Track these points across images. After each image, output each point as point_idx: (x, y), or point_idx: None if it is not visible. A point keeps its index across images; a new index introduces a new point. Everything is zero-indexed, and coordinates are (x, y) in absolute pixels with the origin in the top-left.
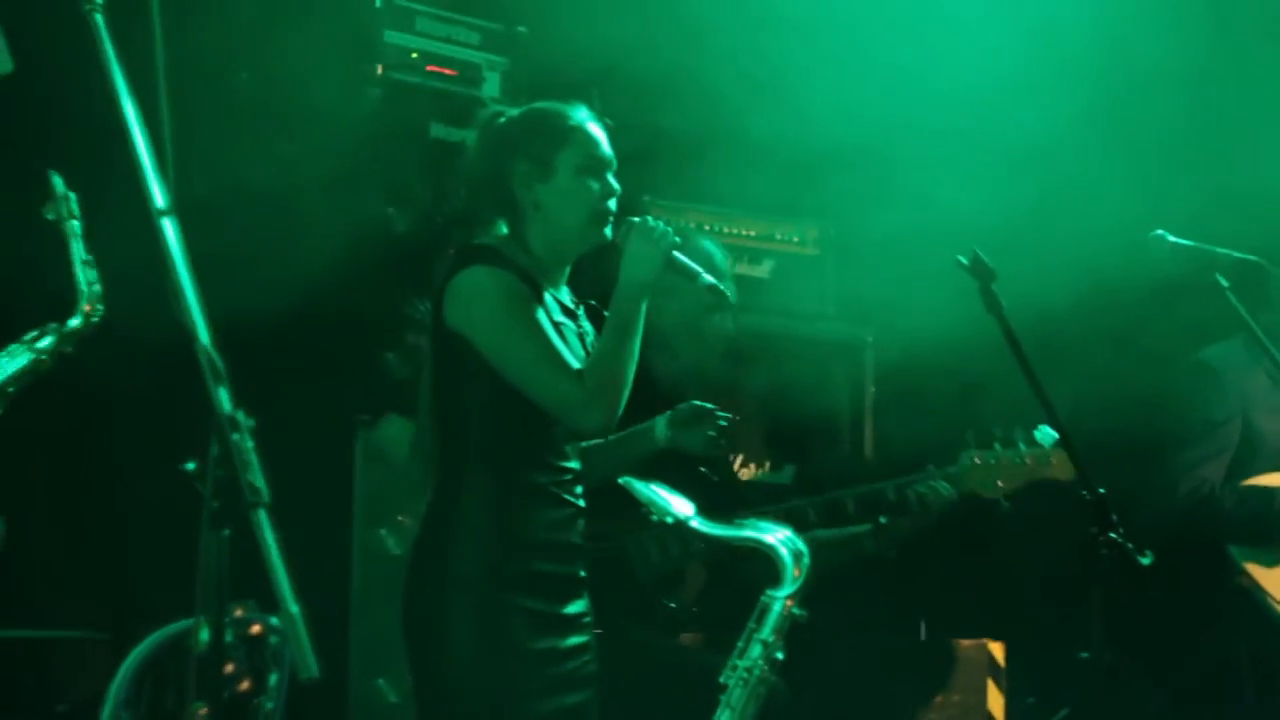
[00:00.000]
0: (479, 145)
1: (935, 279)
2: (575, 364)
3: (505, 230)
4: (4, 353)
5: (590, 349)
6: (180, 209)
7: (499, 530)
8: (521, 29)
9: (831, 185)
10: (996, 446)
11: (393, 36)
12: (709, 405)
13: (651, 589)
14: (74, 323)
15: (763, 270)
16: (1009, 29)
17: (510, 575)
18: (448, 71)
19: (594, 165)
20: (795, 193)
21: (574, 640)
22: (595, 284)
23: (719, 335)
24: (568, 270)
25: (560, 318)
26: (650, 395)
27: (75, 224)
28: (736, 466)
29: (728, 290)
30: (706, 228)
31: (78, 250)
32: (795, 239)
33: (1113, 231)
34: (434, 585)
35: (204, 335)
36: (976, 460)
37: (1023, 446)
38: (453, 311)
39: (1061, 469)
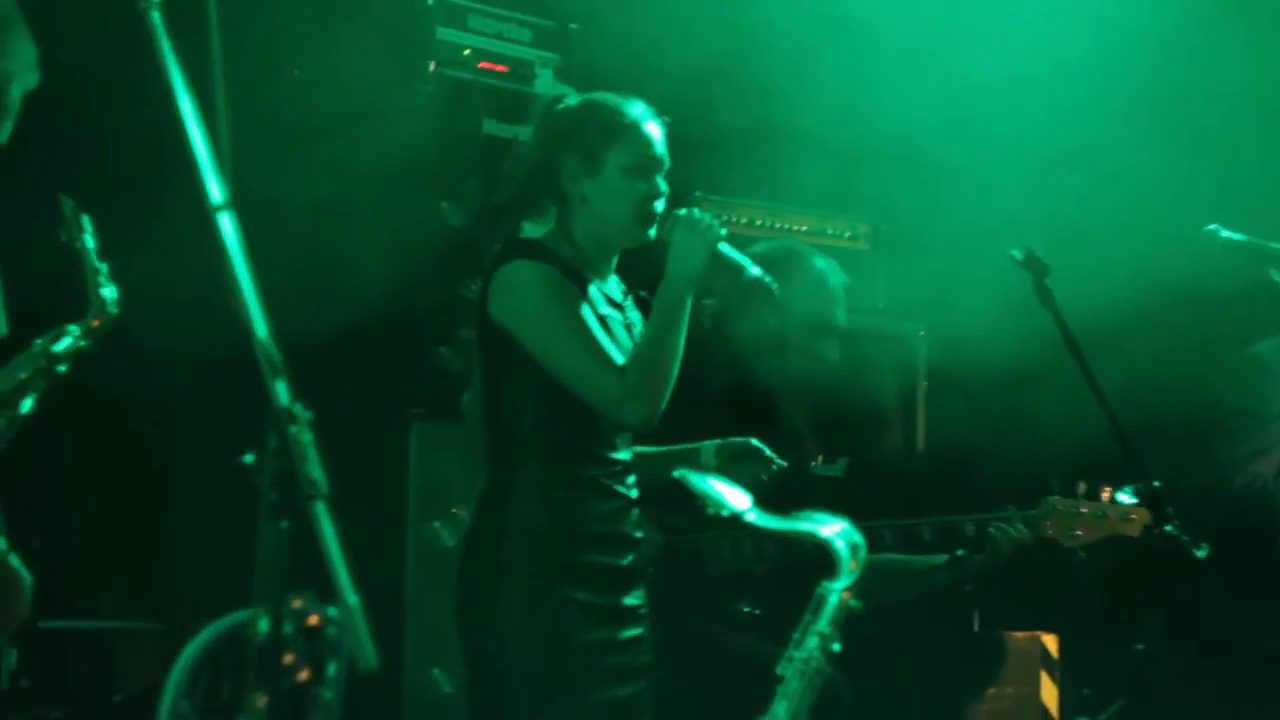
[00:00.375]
0: (535, 132)
1: (988, 273)
2: (618, 357)
3: (553, 220)
4: (21, 353)
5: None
6: (236, 206)
7: (550, 522)
8: (573, 25)
9: (883, 180)
10: (1080, 497)
11: (445, 33)
12: (763, 446)
13: (721, 586)
14: (86, 325)
15: None
16: (1062, 22)
17: (562, 567)
18: (500, 68)
19: (643, 165)
20: (847, 188)
21: (628, 632)
22: (649, 273)
23: (824, 358)
24: (614, 261)
25: (605, 310)
26: (748, 403)
27: (87, 239)
28: None
29: (839, 313)
30: (758, 223)
31: (89, 261)
32: (847, 234)
33: (1166, 226)
34: (486, 577)
35: (261, 329)
36: (1059, 507)
37: (1105, 500)
38: (496, 304)
39: (1140, 528)
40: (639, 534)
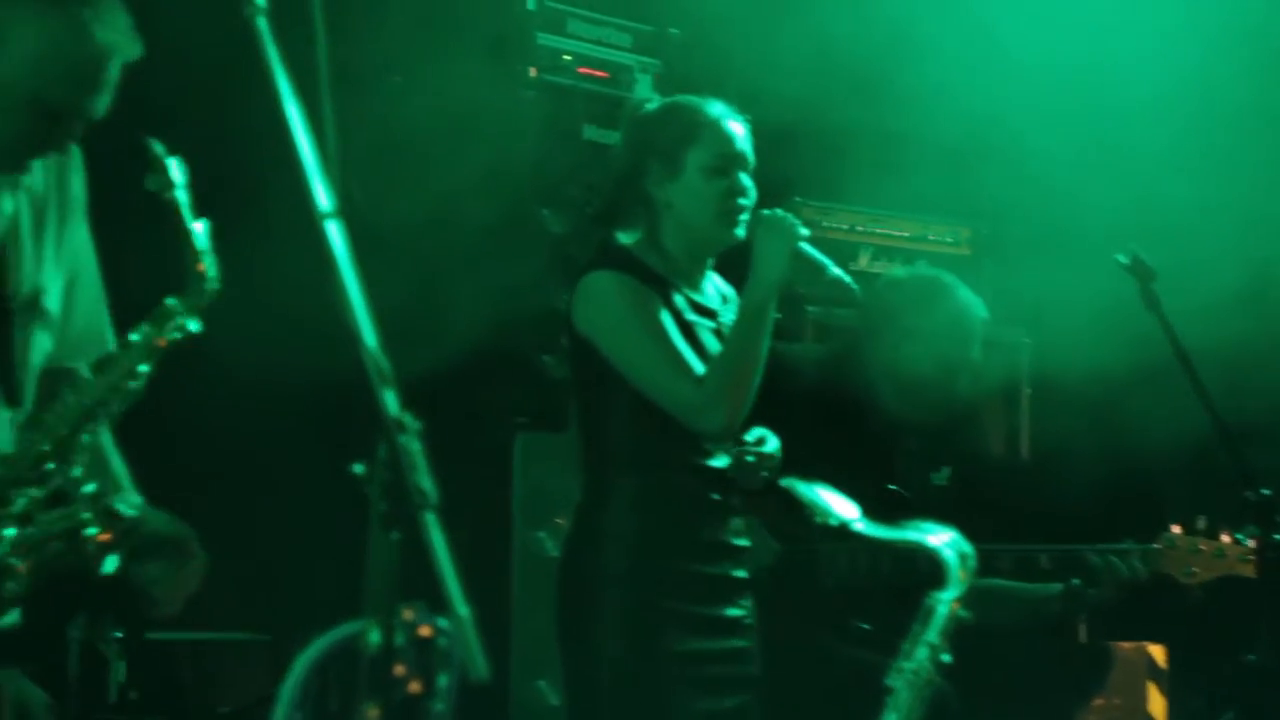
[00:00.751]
0: (621, 140)
1: (1094, 278)
2: (698, 366)
3: (643, 228)
4: (127, 339)
5: None
6: (342, 215)
7: (645, 532)
8: (674, 31)
9: (986, 184)
10: (1199, 533)
11: (545, 39)
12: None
13: (835, 600)
14: (192, 300)
15: None
16: (1168, 19)
17: (658, 577)
18: (600, 74)
19: (723, 164)
20: (948, 192)
21: (729, 643)
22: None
23: (955, 393)
24: (708, 265)
25: (694, 317)
26: (869, 430)
27: (179, 193)
28: None
29: (975, 349)
30: (859, 228)
31: (183, 219)
32: (948, 240)
33: (1273, 225)
34: (583, 588)
35: (370, 338)
36: (1178, 544)
37: (1225, 540)
38: (579, 315)
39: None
40: (740, 542)
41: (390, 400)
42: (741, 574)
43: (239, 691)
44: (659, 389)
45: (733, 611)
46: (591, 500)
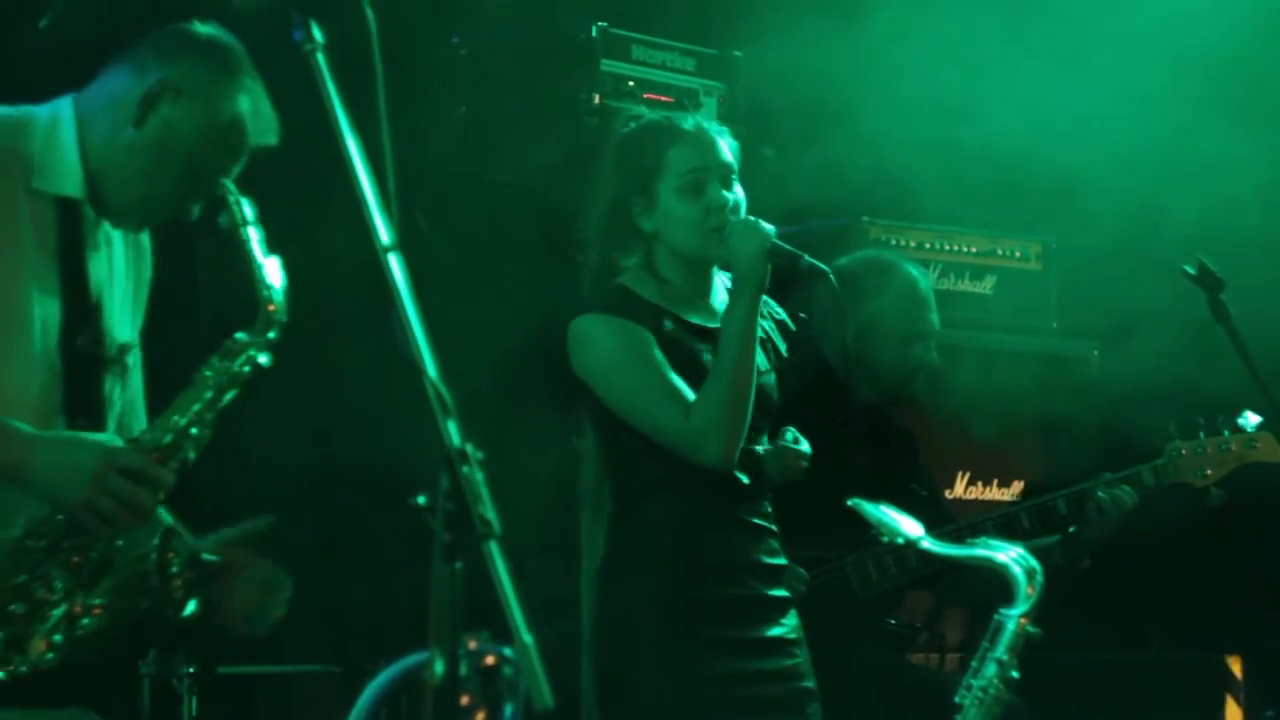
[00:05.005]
0: (607, 166)
1: (1165, 289)
2: (690, 398)
3: (640, 255)
4: (198, 375)
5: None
6: (405, 246)
7: (673, 558)
8: (737, 53)
9: (1054, 197)
10: (1201, 435)
11: (609, 65)
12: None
13: (872, 608)
14: (261, 334)
15: (985, 286)
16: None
17: (689, 602)
18: (664, 99)
19: (693, 182)
20: (1016, 207)
21: (771, 663)
22: None
23: (925, 365)
24: (712, 282)
25: (694, 343)
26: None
27: (248, 230)
28: (964, 485)
29: (933, 317)
30: (927, 246)
31: (254, 256)
32: (1017, 254)
33: None
34: (614, 616)
35: (431, 369)
36: (1183, 451)
37: (1227, 433)
38: (574, 362)
39: (1268, 451)
40: (774, 561)
41: (452, 431)
42: (780, 593)
43: None
44: (652, 428)
45: (773, 631)
46: (619, 527)
